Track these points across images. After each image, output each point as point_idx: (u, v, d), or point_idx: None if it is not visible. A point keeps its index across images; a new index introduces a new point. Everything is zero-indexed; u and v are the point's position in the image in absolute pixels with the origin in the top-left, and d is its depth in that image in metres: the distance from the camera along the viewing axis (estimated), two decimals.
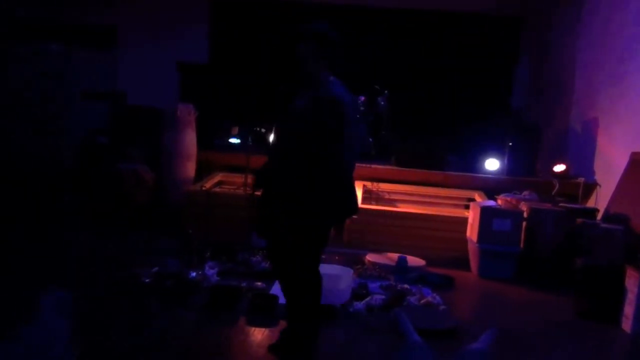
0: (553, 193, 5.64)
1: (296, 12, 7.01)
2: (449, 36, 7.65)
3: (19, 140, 5.48)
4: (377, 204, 6.00)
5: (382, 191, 6.17)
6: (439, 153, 6.34)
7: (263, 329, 3.40)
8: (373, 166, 6.25)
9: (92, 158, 5.81)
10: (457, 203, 6.09)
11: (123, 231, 5.36)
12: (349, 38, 7.05)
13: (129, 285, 3.83)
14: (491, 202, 5.37)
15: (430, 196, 6.14)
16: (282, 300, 3.69)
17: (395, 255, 4.90)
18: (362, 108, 6.69)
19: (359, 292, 3.98)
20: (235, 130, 6.33)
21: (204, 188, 5.60)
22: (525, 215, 5.03)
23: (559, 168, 5.88)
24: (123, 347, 3.00)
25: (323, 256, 4.75)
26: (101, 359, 2.87)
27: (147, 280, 3.90)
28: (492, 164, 6.25)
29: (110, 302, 3.62)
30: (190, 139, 6.02)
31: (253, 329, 3.41)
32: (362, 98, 6.75)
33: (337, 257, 4.94)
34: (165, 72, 7.23)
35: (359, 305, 3.77)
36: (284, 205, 2.79)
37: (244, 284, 4.01)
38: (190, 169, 6.04)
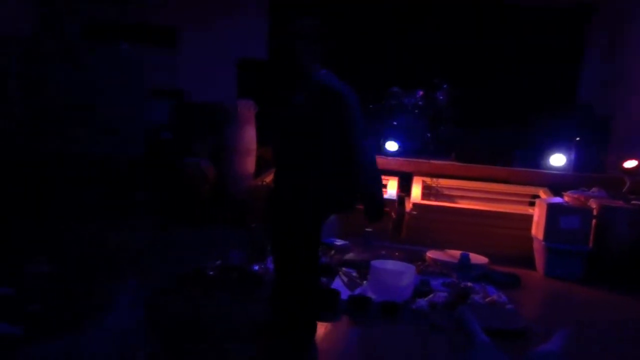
0: (624, 190, 5.38)
1: (352, 3, 6.96)
2: (512, 26, 7.39)
3: (90, 136, 5.71)
4: (436, 200, 5.90)
5: (442, 187, 6.06)
6: (502, 148, 6.17)
7: (325, 324, 3.41)
8: (432, 161, 6.16)
9: (157, 153, 5.99)
10: (520, 200, 5.90)
11: (187, 225, 5.51)
12: (405, 31, 7.05)
13: (195, 277, 3.92)
14: (558, 199, 5.18)
15: (492, 192, 5.98)
16: (344, 295, 3.72)
17: (456, 253, 4.80)
18: (420, 103, 6.61)
19: (421, 289, 3.93)
20: None
21: (264, 182, 5.67)
22: (594, 212, 4.82)
23: (631, 164, 5.59)
24: (191, 335, 3.08)
25: (383, 252, 4.81)
26: (174, 349, 2.95)
27: (211, 273, 3.98)
28: (557, 160, 6.03)
29: (179, 294, 3.72)
30: (250, 135, 6.10)
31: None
32: (420, 92, 6.66)
33: (396, 254, 4.89)
34: (224, 69, 7.35)
35: (422, 302, 3.72)
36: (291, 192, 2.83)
37: None
38: (250, 164, 6.13)
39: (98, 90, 5.69)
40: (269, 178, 5.94)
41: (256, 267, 4.09)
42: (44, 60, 6.24)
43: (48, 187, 5.37)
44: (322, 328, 3.35)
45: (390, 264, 4.03)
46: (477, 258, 4.78)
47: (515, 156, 6.22)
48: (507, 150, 6.17)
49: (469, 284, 4.18)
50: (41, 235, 4.69)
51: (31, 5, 6.77)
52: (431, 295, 3.84)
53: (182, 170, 5.64)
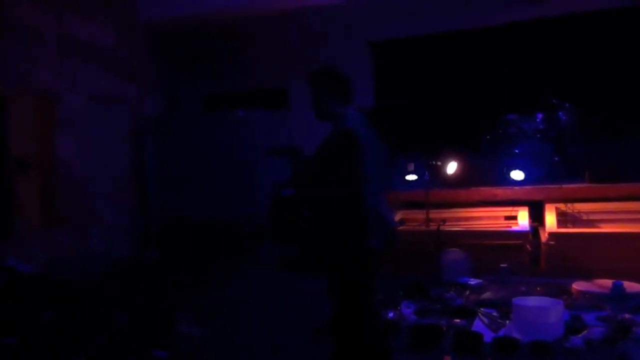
0: None
1: (457, 41, 6.89)
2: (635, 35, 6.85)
3: (218, 197, 6.11)
4: (574, 227, 5.50)
5: (578, 212, 5.65)
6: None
7: None
8: (564, 186, 5.78)
9: (280, 209, 6.21)
10: None
11: (317, 274, 5.58)
12: (518, 56, 6.80)
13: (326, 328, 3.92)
14: None
15: (636, 212, 5.46)
16: (487, 338, 3.52)
17: (606, 282, 4.39)
18: (540, 126, 6.30)
19: (573, 326, 3.61)
20: (411, 166, 6.32)
21: None
22: None
23: None
24: None
25: (522, 288, 4.52)
26: None
27: None
28: None
29: (316, 345, 3.73)
30: None
31: None
32: (540, 116, 6.35)
33: (538, 289, 4.58)
34: None
35: (576, 340, 3.41)
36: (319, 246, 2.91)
37: (443, 322, 3.88)
38: None
39: (220, 156, 6.10)
40: None
41: (391, 314, 4.01)
42: (171, 135, 6.83)
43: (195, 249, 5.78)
44: None
45: (534, 301, 3.77)
46: (631, 286, 4.32)
47: None
48: None
49: (627, 315, 3.77)
50: (190, 295, 5.00)
51: (158, 86, 7.48)
52: (585, 332, 3.51)
53: (304, 223, 5.79)
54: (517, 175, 6.05)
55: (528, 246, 5.19)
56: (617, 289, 4.12)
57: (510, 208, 5.97)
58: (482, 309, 4.07)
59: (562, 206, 5.65)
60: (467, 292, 4.59)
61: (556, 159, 6.20)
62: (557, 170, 6.14)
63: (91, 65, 6.19)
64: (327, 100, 2.96)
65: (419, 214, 6.01)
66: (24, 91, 5.35)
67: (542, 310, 3.55)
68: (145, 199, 6.90)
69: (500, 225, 5.85)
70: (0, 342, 3.23)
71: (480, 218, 6.05)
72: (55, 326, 3.49)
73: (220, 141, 6.28)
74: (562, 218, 5.60)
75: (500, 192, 6.13)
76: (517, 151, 6.17)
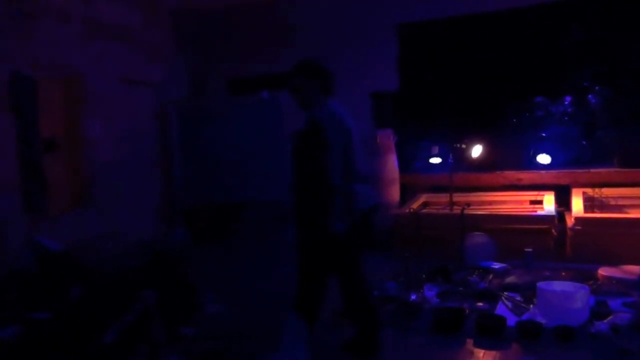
0: None
1: (483, 23, 6.76)
2: None
3: (243, 179, 6.15)
4: (601, 212, 5.40)
5: (606, 197, 5.55)
6: None
7: (493, 352, 3.25)
8: (592, 170, 5.68)
9: None
10: None
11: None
12: (547, 38, 6.65)
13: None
14: None
15: None
16: (510, 321, 3.51)
17: (634, 268, 4.33)
18: (569, 109, 6.17)
19: (598, 311, 3.58)
20: (436, 149, 6.27)
21: (411, 210, 5.62)
22: None
23: None
24: None
25: (547, 273, 4.48)
26: None
27: None
28: None
29: (338, 327, 3.77)
30: (391, 164, 6.12)
31: (482, 351, 3.28)
32: (568, 99, 6.23)
33: (563, 274, 4.54)
34: (358, 103, 7.48)
35: (602, 325, 3.38)
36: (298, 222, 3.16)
37: (465, 305, 3.88)
38: (394, 192, 6.13)
39: (245, 139, 6.12)
40: (415, 205, 5.88)
41: (414, 297, 4.02)
42: (196, 118, 6.88)
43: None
44: (490, 356, 3.20)
45: (559, 285, 3.74)
46: None
47: None
48: None
49: None
50: (215, 275, 5.09)
51: (182, 70, 7.53)
52: (611, 317, 3.47)
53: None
54: (544, 159, 5.97)
55: (553, 231, 5.12)
56: None
57: (535, 192, 5.90)
58: (505, 293, 4.06)
59: (589, 191, 5.57)
60: (491, 276, 4.57)
61: (584, 142, 6.10)
62: (585, 154, 6.03)
63: (118, 47, 6.24)
64: (306, 90, 3.18)
65: (443, 198, 5.98)
66: (52, 73, 5.43)
67: (567, 294, 3.52)
68: (171, 181, 6.99)
69: (526, 209, 5.78)
70: (34, 317, 3.33)
71: (504, 202, 5.99)
72: (83, 303, 3.58)
73: (245, 123, 6.30)
74: (589, 203, 5.51)
75: (526, 176, 6.05)
76: (544, 134, 6.08)
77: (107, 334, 3.08)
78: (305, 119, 3.14)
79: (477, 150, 6.04)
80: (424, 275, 4.53)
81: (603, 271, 4.44)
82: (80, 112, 5.75)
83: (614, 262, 4.62)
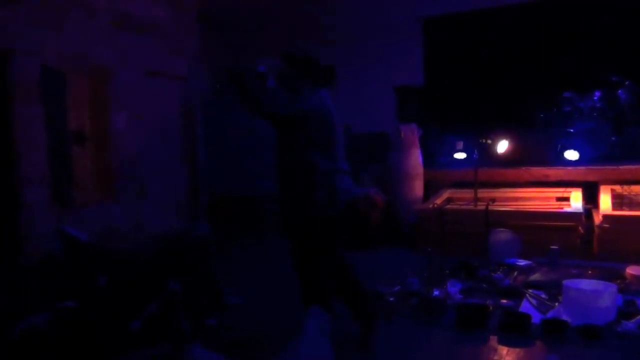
0: None
1: (510, 16, 6.66)
2: None
3: (267, 172, 6.16)
4: (630, 210, 5.29)
5: (635, 194, 5.43)
6: None
7: (517, 349, 3.22)
8: (621, 167, 5.56)
9: None
10: None
11: (359, 250, 5.63)
12: (576, 32, 6.51)
13: (376, 304, 3.94)
14: None
15: None
16: (535, 319, 3.47)
17: None
18: (598, 105, 6.05)
19: (626, 310, 3.51)
20: (460, 144, 6.21)
21: (435, 205, 5.58)
22: None
23: None
24: None
25: (573, 270, 4.41)
26: None
27: (391, 299, 3.98)
28: None
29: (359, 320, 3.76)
30: (415, 159, 6.08)
31: (506, 349, 3.24)
32: (598, 94, 6.10)
33: (589, 272, 4.46)
34: (382, 98, 7.45)
35: (630, 324, 3.31)
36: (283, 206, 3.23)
37: (489, 302, 3.85)
38: (418, 188, 6.09)
39: (270, 132, 6.13)
40: (439, 201, 5.84)
41: (437, 292, 4.00)
42: (221, 112, 6.93)
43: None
44: (514, 354, 3.17)
45: (586, 284, 3.68)
46: None
47: None
48: None
49: None
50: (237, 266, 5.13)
51: (208, 63, 7.57)
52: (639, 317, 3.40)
53: (352, 199, 5.78)
54: (572, 155, 5.87)
55: (580, 228, 5.04)
56: None
57: (562, 189, 5.81)
58: (530, 291, 4.01)
59: (618, 188, 5.46)
60: (515, 273, 4.52)
61: (613, 138, 5.98)
62: (614, 150, 5.92)
63: (144, 41, 6.30)
64: (294, 79, 3.20)
65: (467, 193, 5.92)
66: (80, 66, 5.51)
67: (594, 293, 3.46)
68: (196, 174, 7.05)
69: (552, 206, 5.70)
70: (62, 305, 3.40)
71: (530, 199, 5.91)
72: (109, 292, 3.64)
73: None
74: (618, 200, 5.41)
75: (553, 172, 5.96)
76: (571, 130, 5.97)
77: (132, 323, 3.13)
78: (293, 108, 3.16)
79: (502, 146, 5.96)
80: (447, 271, 4.50)
81: (631, 270, 4.34)
82: (107, 105, 5.82)
83: None
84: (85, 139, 5.63)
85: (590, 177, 5.70)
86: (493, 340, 3.36)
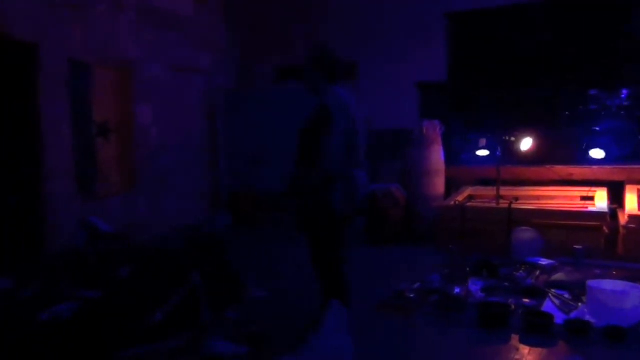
0: None
1: (535, 12, 6.56)
2: None
3: (287, 167, 6.18)
4: None
5: None
6: None
7: (539, 349, 3.18)
8: None
9: None
10: None
11: (380, 246, 5.62)
12: (603, 29, 6.39)
13: (396, 300, 3.94)
14: None
15: None
16: (558, 319, 3.42)
17: None
18: (625, 103, 5.94)
19: None
20: (483, 142, 6.14)
21: (456, 202, 5.54)
22: None
23: None
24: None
25: (597, 271, 4.34)
26: None
27: (412, 296, 3.96)
28: None
29: (381, 318, 3.76)
30: (437, 155, 6.03)
31: (528, 348, 3.21)
32: (625, 92, 5.99)
33: (614, 272, 4.38)
34: (405, 95, 7.40)
35: None
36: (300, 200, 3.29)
37: (511, 301, 3.80)
38: (439, 185, 6.04)
39: (291, 126, 6.13)
40: (460, 198, 5.79)
41: (457, 290, 3.97)
42: (243, 106, 6.95)
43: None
44: (536, 353, 3.13)
45: (610, 284, 3.61)
46: None
47: None
48: None
49: None
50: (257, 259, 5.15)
51: (231, 57, 7.62)
52: None
53: (373, 195, 5.77)
54: (597, 154, 5.77)
55: (605, 228, 4.95)
56: None
57: (587, 188, 5.72)
58: (553, 290, 3.96)
59: None
60: (538, 273, 4.46)
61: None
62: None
63: (170, 35, 6.36)
64: (315, 76, 3.26)
65: (489, 191, 5.86)
66: (105, 59, 5.58)
67: (619, 294, 3.40)
68: (217, 167, 7.11)
69: (576, 205, 5.61)
70: (86, 295, 3.46)
71: (554, 197, 5.83)
72: (131, 283, 3.69)
73: (290, 111, 6.33)
74: None
75: (577, 171, 5.87)
76: (597, 129, 5.87)
77: (155, 314, 3.16)
78: (314, 104, 3.21)
79: (526, 144, 5.88)
80: (468, 269, 4.46)
81: None
82: (131, 98, 5.90)
83: None
84: (110, 131, 5.71)
85: (616, 177, 5.60)
86: (515, 339, 3.33)
